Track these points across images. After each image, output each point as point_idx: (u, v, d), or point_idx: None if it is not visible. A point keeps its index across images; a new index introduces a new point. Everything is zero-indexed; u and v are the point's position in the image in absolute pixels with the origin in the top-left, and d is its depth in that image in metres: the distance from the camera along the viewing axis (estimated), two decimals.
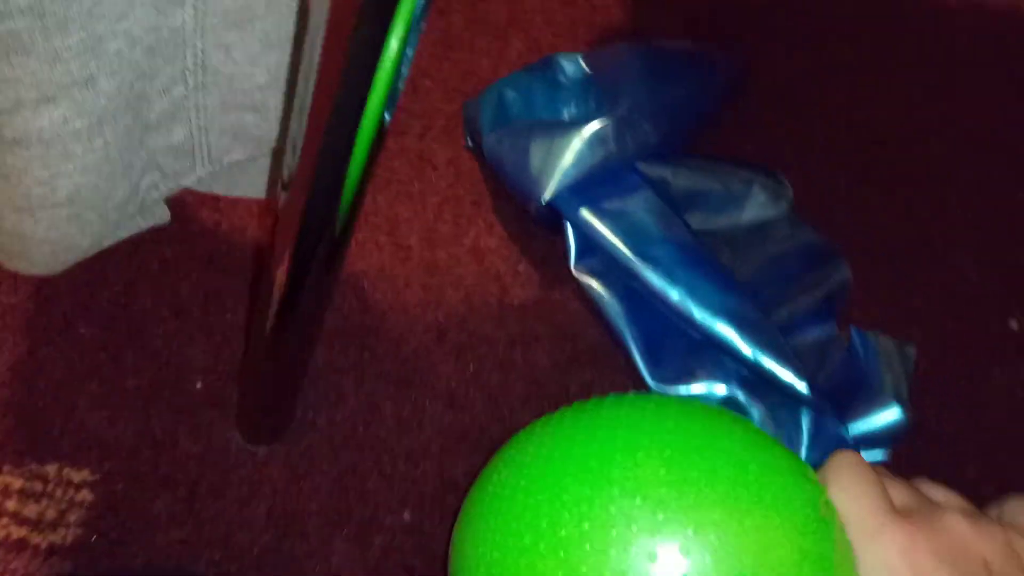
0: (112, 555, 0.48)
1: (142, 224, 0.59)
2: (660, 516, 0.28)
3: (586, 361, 0.62)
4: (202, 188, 0.61)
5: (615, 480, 0.29)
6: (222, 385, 0.56)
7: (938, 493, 0.33)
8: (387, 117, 0.29)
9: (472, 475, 0.57)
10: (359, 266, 0.63)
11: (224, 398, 0.55)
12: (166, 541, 0.49)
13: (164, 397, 0.55)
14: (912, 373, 0.63)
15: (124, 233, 0.58)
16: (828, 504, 0.32)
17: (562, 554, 0.28)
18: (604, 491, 0.29)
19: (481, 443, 0.57)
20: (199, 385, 0.55)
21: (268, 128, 0.56)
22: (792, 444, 0.57)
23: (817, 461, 0.57)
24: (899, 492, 0.31)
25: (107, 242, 0.57)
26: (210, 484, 0.52)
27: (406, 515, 0.54)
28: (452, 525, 0.54)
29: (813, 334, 0.63)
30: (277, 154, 0.58)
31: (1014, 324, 0.72)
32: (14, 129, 0.44)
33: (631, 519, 0.28)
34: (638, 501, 0.28)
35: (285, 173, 0.32)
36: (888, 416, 0.56)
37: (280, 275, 0.38)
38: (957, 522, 0.30)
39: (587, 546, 0.28)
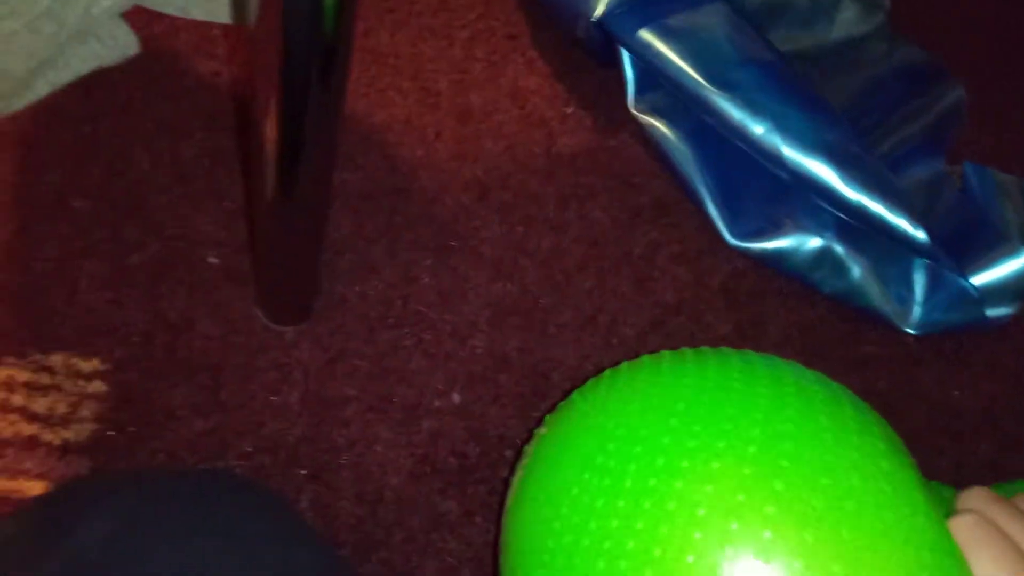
0: (131, 451, 0.43)
1: (102, 53, 0.49)
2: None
3: (651, 217, 0.54)
4: (176, 11, 0.51)
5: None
6: (239, 258, 0.49)
7: None
8: None
9: (525, 351, 0.51)
10: (381, 117, 0.55)
11: (243, 272, 0.49)
12: (190, 434, 0.44)
13: (174, 274, 0.48)
14: None
15: (82, 65, 0.48)
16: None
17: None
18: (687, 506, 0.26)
19: (534, 315, 0.50)
20: (213, 259, 0.49)
21: None
22: (903, 304, 0.49)
23: (936, 323, 0.49)
24: None
25: (58, 75, 0.47)
26: (235, 370, 0.46)
27: (455, 397, 0.48)
28: (505, 406, 0.49)
29: (919, 171, 0.53)
30: None
31: None
32: None
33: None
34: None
35: None
36: (1017, 264, 0.48)
37: (270, 126, 0.30)
38: None
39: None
